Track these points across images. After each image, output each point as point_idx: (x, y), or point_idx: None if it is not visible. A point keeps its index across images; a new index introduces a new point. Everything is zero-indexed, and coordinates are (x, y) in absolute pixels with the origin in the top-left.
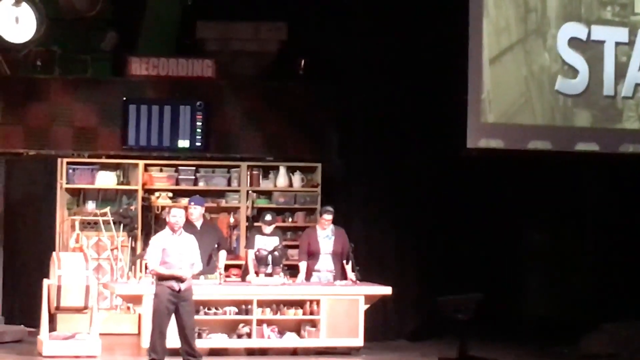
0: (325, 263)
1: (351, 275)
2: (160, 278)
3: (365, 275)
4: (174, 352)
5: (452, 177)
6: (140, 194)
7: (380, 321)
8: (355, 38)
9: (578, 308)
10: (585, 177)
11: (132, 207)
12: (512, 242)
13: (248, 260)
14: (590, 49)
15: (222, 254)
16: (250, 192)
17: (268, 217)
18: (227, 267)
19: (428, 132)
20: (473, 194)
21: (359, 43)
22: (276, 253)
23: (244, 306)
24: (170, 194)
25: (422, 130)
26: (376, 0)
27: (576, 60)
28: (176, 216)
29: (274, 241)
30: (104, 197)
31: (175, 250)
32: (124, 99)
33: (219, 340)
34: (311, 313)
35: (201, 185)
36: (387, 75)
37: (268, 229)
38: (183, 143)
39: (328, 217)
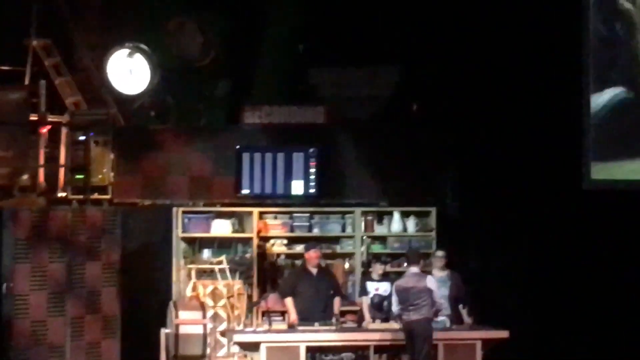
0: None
1: (467, 319)
2: None
3: (483, 318)
4: None
5: (571, 214)
6: (255, 241)
7: None
8: (468, 79)
9: None
10: None
11: (248, 255)
12: (635, 280)
13: (363, 306)
14: None
15: (337, 300)
16: (364, 237)
17: (380, 263)
18: (343, 313)
19: (547, 169)
20: (593, 231)
21: (472, 84)
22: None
23: (360, 352)
24: (285, 241)
25: (540, 168)
26: (489, 40)
27: None
28: None
29: (385, 286)
30: (220, 245)
31: None
32: (238, 147)
33: None
34: None
35: (316, 231)
36: (501, 115)
37: (377, 275)
38: (297, 190)
39: (440, 253)
